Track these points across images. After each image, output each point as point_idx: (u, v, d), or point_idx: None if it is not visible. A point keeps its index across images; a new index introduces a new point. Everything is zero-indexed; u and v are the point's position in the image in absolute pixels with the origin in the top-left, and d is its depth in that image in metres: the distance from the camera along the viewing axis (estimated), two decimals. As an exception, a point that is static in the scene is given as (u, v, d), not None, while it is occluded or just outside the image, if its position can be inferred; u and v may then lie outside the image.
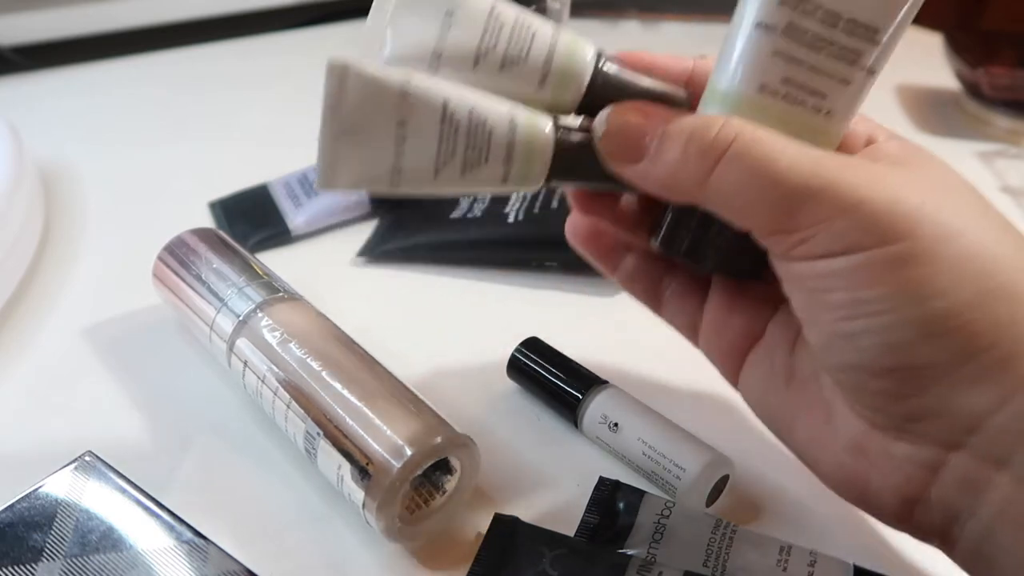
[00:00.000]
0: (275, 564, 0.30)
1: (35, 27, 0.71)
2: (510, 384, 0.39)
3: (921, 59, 0.76)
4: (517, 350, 0.38)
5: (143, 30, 0.74)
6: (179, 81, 0.70)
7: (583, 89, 0.28)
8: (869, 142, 0.28)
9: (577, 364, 0.37)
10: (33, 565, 0.26)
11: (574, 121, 0.28)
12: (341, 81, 0.25)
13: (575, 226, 0.34)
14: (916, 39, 0.82)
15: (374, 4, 0.28)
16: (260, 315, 0.35)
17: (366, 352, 0.34)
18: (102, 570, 0.26)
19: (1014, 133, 0.63)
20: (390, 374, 0.33)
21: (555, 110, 0.28)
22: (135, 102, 0.66)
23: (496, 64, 0.28)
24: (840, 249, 0.24)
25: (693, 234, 0.29)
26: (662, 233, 0.30)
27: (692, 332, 0.33)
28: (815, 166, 0.25)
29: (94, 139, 0.60)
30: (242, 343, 0.35)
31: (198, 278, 0.38)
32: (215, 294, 0.37)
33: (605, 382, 0.36)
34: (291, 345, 0.33)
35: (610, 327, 0.43)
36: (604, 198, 0.31)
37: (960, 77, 0.67)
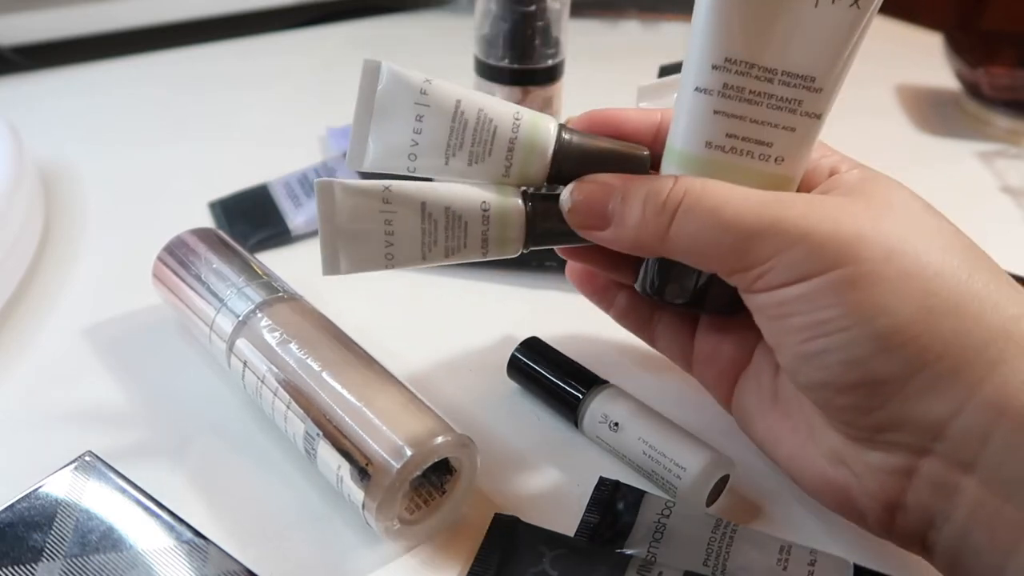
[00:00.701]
0: (275, 564, 0.30)
1: (35, 27, 0.71)
2: (510, 384, 0.39)
3: (921, 59, 0.76)
4: (517, 350, 0.38)
5: (143, 30, 0.74)
6: (179, 81, 0.70)
7: (548, 163, 0.31)
8: (832, 173, 0.30)
9: (577, 364, 0.37)
10: (33, 565, 0.26)
11: (546, 189, 0.31)
12: (329, 196, 0.30)
13: (571, 268, 0.37)
14: (916, 39, 0.83)
15: (354, 120, 0.31)
16: (260, 315, 0.35)
17: (366, 352, 0.34)
18: (102, 570, 0.26)
19: (1014, 133, 0.63)
20: (390, 374, 0.33)
21: (527, 183, 0.31)
22: (135, 102, 0.66)
23: (465, 160, 0.30)
24: (794, 278, 0.26)
25: (670, 280, 0.32)
26: (643, 280, 0.33)
27: (685, 362, 0.35)
28: (760, 208, 0.27)
29: (94, 139, 0.60)
30: (242, 343, 0.35)
31: (198, 278, 0.38)
32: (215, 294, 0.37)
33: (605, 382, 0.36)
34: (291, 345, 0.33)
35: (610, 327, 0.43)
36: (587, 247, 0.33)
37: (960, 77, 0.67)
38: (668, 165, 0.30)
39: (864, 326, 0.25)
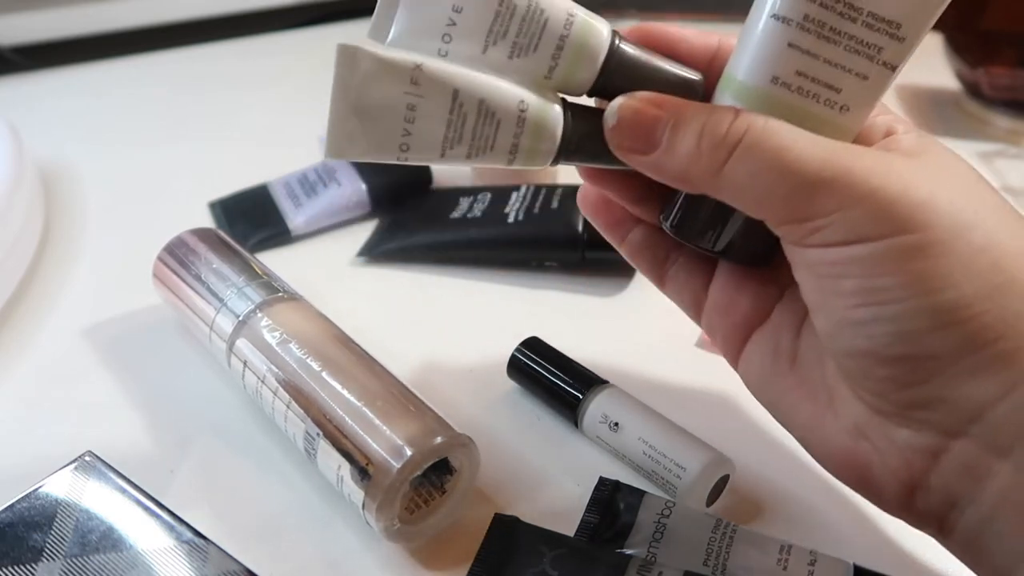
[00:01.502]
0: (275, 564, 0.30)
1: (35, 27, 0.71)
2: (510, 384, 0.39)
3: (921, 59, 0.75)
4: (517, 350, 0.38)
5: (143, 30, 0.74)
6: (179, 81, 0.70)
7: (597, 70, 0.28)
8: (888, 134, 0.28)
9: (577, 364, 0.37)
10: (33, 565, 0.26)
11: (587, 102, 0.28)
12: (351, 64, 0.26)
13: (585, 194, 0.34)
14: (916, 39, 0.82)
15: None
16: (260, 315, 0.35)
17: (366, 352, 0.34)
18: (102, 570, 0.26)
19: (1014, 133, 0.63)
20: (390, 374, 0.33)
21: (568, 90, 0.28)
22: (135, 102, 0.66)
23: (506, 50, 0.27)
24: (854, 238, 0.24)
25: (705, 220, 0.29)
26: (673, 217, 0.30)
27: (695, 309, 0.33)
28: (827, 156, 0.25)
29: (94, 139, 0.60)
30: (242, 343, 0.35)
31: (198, 278, 0.38)
32: (215, 294, 0.37)
33: (605, 382, 0.36)
34: (291, 345, 0.33)
35: (610, 327, 0.43)
36: (613, 172, 0.31)
37: (960, 77, 0.67)
38: (724, 95, 0.28)
39: (924, 298, 0.24)
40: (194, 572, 0.27)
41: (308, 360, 0.33)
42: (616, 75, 0.28)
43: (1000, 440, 0.24)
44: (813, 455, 0.29)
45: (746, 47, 0.27)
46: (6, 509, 0.28)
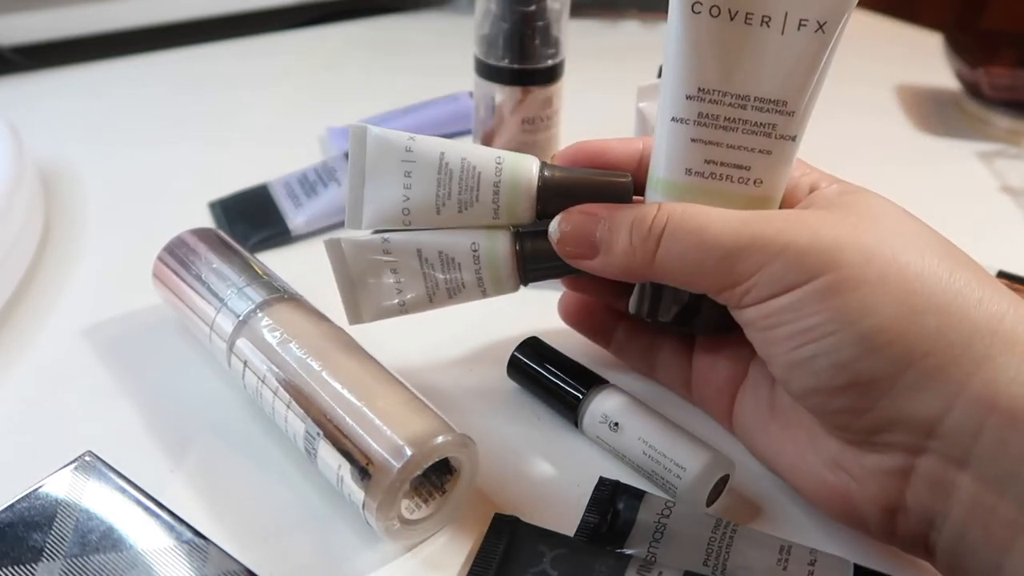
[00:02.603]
0: (275, 564, 0.30)
1: (35, 27, 0.71)
2: (510, 384, 0.39)
3: (921, 59, 0.76)
4: (517, 350, 0.38)
5: (143, 30, 0.74)
6: (179, 81, 0.70)
7: (534, 198, 0.32)
8: (812, 190, 0.31)
9: (577, 364, 0.37)
10: (33, 565, 0.26)
11: (536, 225, 0.33)
12: (338, 251, 0.33)
13: (567, 309, 0.38)
14: (916, 39, 0.83)
15: (348, 185, 0.33)
16: (260, 315, 0.35)
17: (366, 352, 0.34)
18: (102, 570, 0.26)
19: (1014, 133, 0.63)
20: (390, 374, 0.33)
21: (517, 223, 0.33)
22: (135, 102, 0.66)
23: (455, 207, 0.32)
24: (779, 290, 0.27)
25: (663, 300, 0.33)
26: (637, 304, 0.34)
27: (685, 388, 0.36)
28: (739, 226, 0.28)
29: (94, 139, 0.60)
30: (242, 343, 0.35)
31: (198, 278, 0.38)
32: (215, 294, 0.37)
33: (605, 382, 0.36)
34: (291, 345, 0.33)
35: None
36: (587, 278, 0.33)
37: (960, 77, 0.67)
38: (652, 193, 0.31)
39: (849, 329, 0.26)
40: (194, 572, 0.27)
41: (308, 360, 0.33)
42: (553, 197, 0.32)
43: (956, 451, 0.26)
44: (802, 495, 0.31)
45: (659, 148, 0.31)
46: (6, 509, 0.28)
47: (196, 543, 0.28)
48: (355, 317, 0.34)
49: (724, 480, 0.33)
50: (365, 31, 0.81)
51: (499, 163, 0.32)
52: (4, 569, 0.26)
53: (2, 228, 0.43)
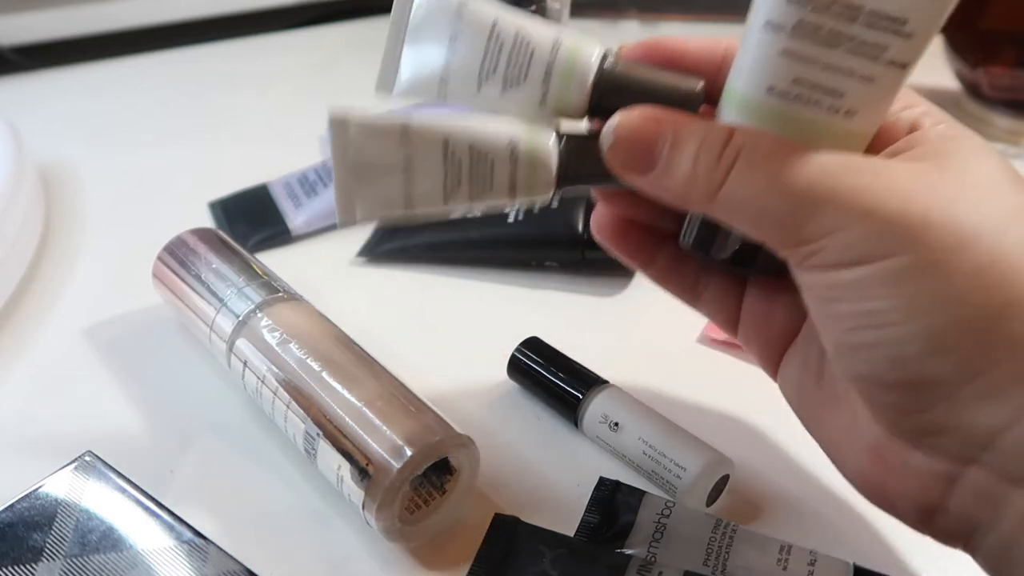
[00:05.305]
0: (275, 564, 0.30)
1: (35, 27, 0.71)
2: (510, 384, 0.39)
3: (921, 59, 0.75)
4: (517, 350, 0.38)
5: (143, 30, 0.74)
6: (179, 81, 0.70)
7: (588, 91, 0.28)
8: (913, 129, 0.26)
9: (577, 364, 0.37)
10: (33, 565, 0.26)
11: (583, 125, 0.28)
12: (344, 133, 0.27)
13: (600, 221, 0.32)
14: (916, 39, 0.82)
15: (387, 41, 0.29)
16: (260, 315, 0.35)
17: (366, 352, 0.34)
18: (102, 570, 0.26)
19: (1014, 133, 0.63)
20: (390, 374, 0.33)
21: (564, 114, 0.28)
22: (135, 102, 0.66)
23: (498, 85, 0.28)
24: (849, 261, 0.23)
25: (718, 235, 0.29)
26: (688, 234, 0.29)
27: (731, 326, 0.32)
28: (820, 174, 0.24)
29: (94, 139, 0.60)
30: (242, 343, 0.35)
31: (198, 278, 0.38)
32: (215, 294, 0.37)
33: (605, 382, 0.36)
34: (291, 345, 0.33)
35: (610, 327, 0.43)
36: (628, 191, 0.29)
37: (960, 77, 0.67)
38: (726, 106, 0.27)
39: (918, 321, 0.23)
40: (194, 572, 0.27)
41: (308, 360, 0.33)
42: (610, 94, 0.28)
43: (1014, 468, 0.23)
44: (840, 471, 0.28)
45: (743, 55, 0.26)
46: (6, 509, 0.28)
47: (196, 543, 0.28)
48: (347, 214, 0.28)
49: (724, 480, 0.33)
50: (365, 31, 0.81)
51: (557, 44, 0.28)
52: (4, 569, 0.26)
53: (2, 228, 0.43)
